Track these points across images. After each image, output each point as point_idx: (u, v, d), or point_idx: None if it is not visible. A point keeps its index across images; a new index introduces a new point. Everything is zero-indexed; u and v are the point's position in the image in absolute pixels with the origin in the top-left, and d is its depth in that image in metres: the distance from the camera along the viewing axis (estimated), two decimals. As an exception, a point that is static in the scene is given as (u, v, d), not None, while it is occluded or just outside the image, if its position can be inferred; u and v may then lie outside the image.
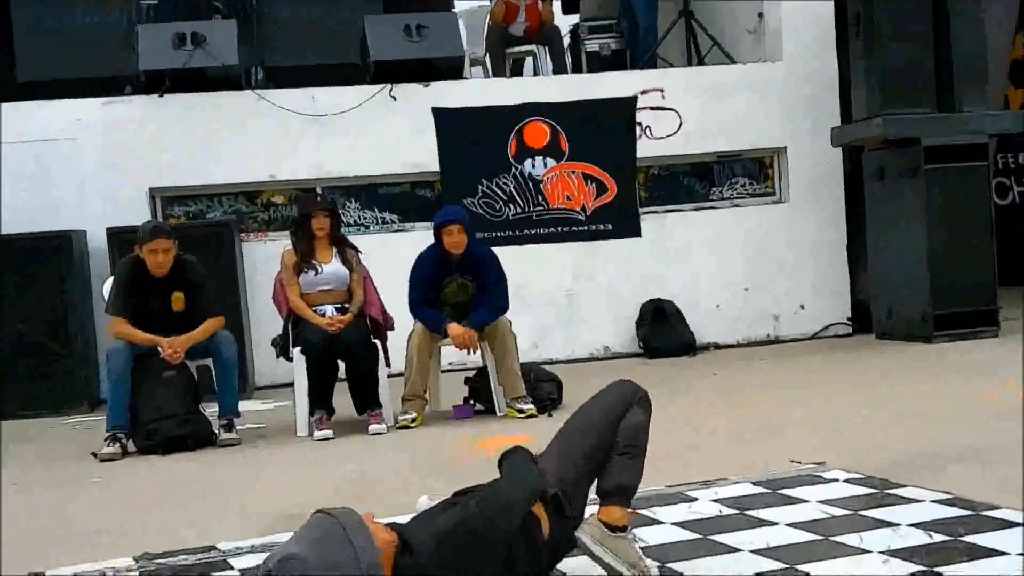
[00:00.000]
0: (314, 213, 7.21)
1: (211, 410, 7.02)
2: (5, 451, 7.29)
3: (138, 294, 6.80)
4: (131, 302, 6.79)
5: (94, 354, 8.86)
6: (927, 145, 9.15)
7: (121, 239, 8.54)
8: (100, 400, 8.64)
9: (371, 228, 9.79)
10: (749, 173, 10.34)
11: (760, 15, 10.50)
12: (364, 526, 3.03)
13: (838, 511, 4.34)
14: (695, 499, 4.70)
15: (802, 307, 10.14)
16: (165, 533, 4.81)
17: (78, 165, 9.23)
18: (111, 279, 7.28)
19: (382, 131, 9.62)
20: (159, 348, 6.71)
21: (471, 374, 7.68)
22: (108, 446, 6.64)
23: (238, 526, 4.87)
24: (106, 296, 7.17)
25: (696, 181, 10.31)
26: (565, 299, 9.87)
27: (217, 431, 6.89)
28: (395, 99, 9.63)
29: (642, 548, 3.78)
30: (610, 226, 9.95)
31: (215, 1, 10.75)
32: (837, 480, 4.84)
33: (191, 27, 9.48)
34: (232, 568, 4.19)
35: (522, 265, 9.19)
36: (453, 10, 11.46)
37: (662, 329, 9.71)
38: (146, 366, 6.76)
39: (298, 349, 7.08)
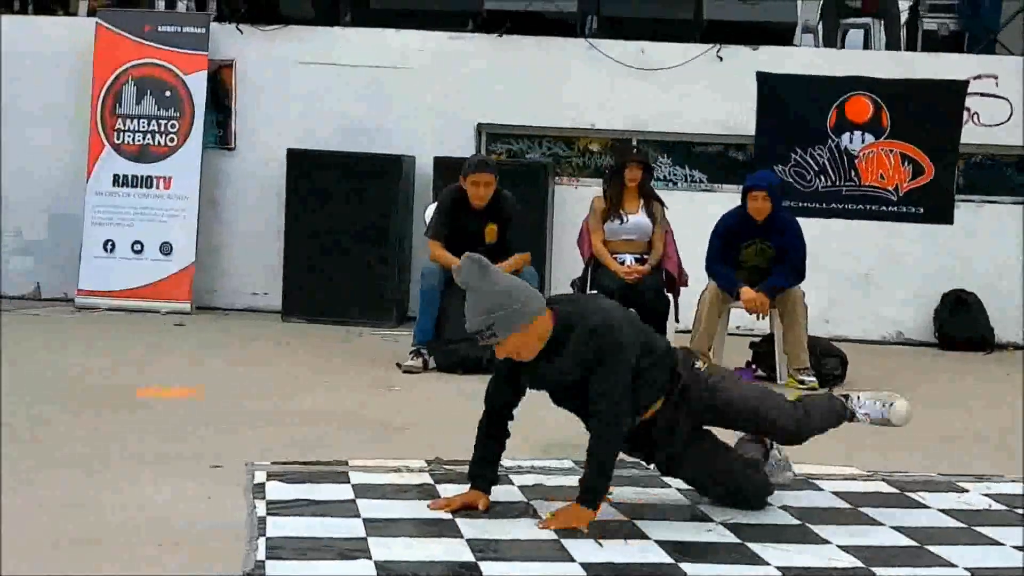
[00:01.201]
0: (628, 164, 7.49)
1: (508, 338, 7.42)
2: (306, 352, 7.95)
3: (456, 221, 7.26)
4: (448, 228, 7.26)
5: (408, 272, 9.46)
6: None
7: (445, 167, 9.07)
8: (407, 316, 9.25)
9: (679, 185, 9.97)
10: (1078, 173, 9.93)
11: (1114, 8, 10.02)
12: None
13: (1111, 523, 4.30)
14: (966, 490, 4.73)
15: (1114, 315, 9.70)
16: (455, 443, 5.22)
17: (416, 93, 9.79)
18: (433, 204, 7.76)
19: (703, 89, 9.76)
20: (468, 274, 7.15)
21: (757, 339, 7.80)
22: (412, 359, 7.16)
23: (519, 446, 5.22)
24: (427, 220, 7.67)
25: (1019, 174, 9.97)
26: (864, 277, 9.80)
27: (511, 359, 7.29)
28: (721, 59, 9.75)
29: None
30: (921, 209, 9.78)
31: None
32: (1116, 494, 4.77)
33: (533, -28, 9.89)
34: (512, 484, 4.55)
35: (825, 238, 9.19)
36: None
37: (961, 321, 9.50)
38: (456, 289, 7.20)
39: (595, 292, 7.40)
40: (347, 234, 9.32)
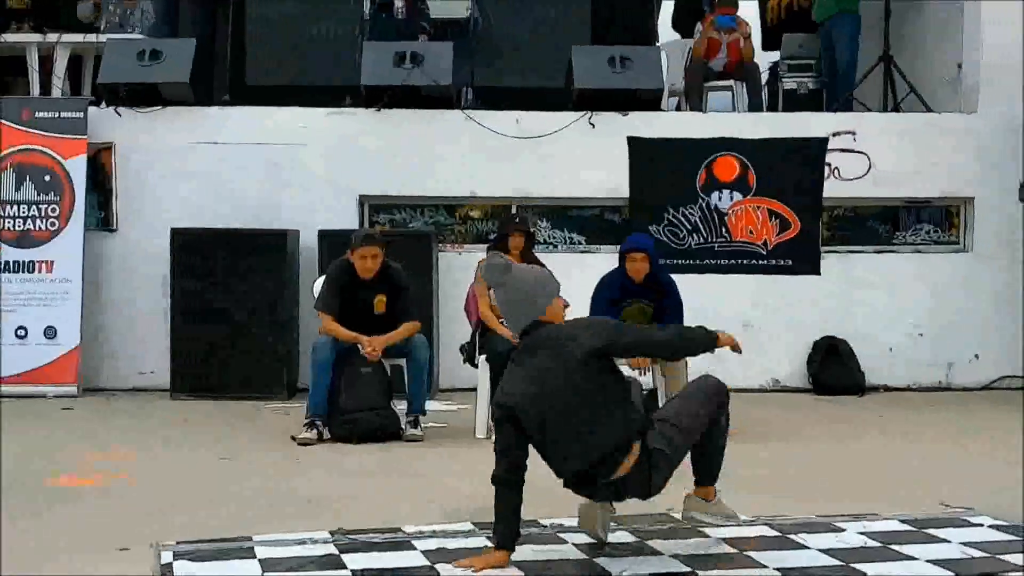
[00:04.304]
0: (511, 232, 7.74)
1: (399, 407, 7.58)
2: (200, 429, 8.01)
3: (346, 294, 7.43)
4: (339, 300, 7.42)
5: (296, 345, 9.55)
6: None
7: (330, 240, 9.23)
8: (298, 388, 9.34)
9: (559, 248, 10.24)
10: (935, 220, 10.46)
11: (959, 66, 10.61)
12: None
13: (978, 553, 4.62)
14: (843, 530, 5.02)
15: (976, 356, 10.21)
16: (356, 513, 5.36)
17: (299, 169, 9.95)
18: (322, 278, 7.91)
19: (578, 156, 10.08)
20: (360, 345, 7.32)
21: (642, 394, 8.04)
22: (307, 431, 7.26)
23: (422, 512, 5.39)
24: (316, 293, 7.81)
25: (880, 224, 10.48)
26: (741, 329, 10.14)
27: (404, 427, 7.45)
28: (593, 126, 10.10)
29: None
30: (790, 262, 10.21)
31: (423, 22, 11.42)
32: (982, 525, 5.10)
33: (411, 47, 10.16)
34: (415, 549, 4.70)
35: (701, 293, 9.51)
36: (657, 44, 11.87)
37: (833, 367, 9.93)
38: (347, 360, 7.38)
39: (484, 357, 7.59)
40: (235, 310, 9.39)
